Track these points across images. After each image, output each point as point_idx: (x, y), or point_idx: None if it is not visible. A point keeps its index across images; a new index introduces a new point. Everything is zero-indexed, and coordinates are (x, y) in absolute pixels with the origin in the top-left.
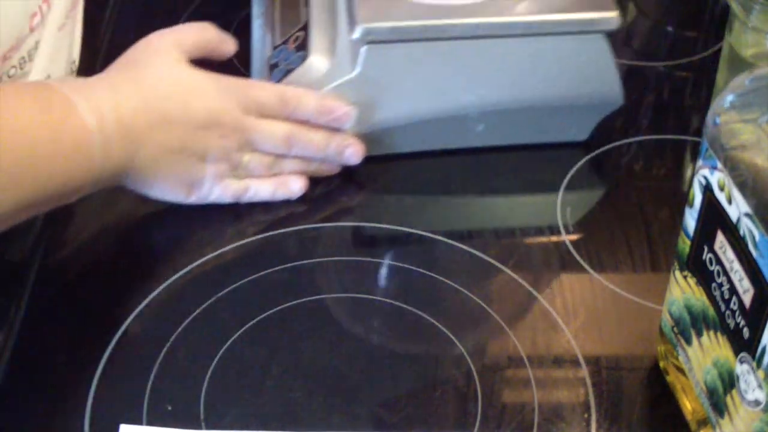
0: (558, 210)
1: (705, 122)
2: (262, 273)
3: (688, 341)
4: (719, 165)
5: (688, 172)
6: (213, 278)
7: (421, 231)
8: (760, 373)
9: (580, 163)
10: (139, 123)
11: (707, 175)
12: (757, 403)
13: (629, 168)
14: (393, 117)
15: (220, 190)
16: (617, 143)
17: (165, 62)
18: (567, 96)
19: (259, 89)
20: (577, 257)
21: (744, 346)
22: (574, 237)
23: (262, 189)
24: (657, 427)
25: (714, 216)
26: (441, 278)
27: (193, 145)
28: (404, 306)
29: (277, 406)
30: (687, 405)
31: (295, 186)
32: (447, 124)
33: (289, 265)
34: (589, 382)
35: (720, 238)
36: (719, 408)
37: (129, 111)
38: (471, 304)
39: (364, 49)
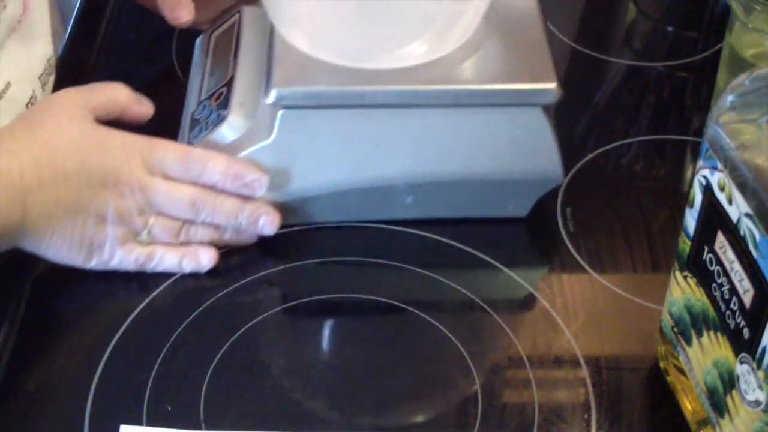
0: (558, 210)
1: (705, 122)
2: (262, 273)
3: (689, 342)
4: (719, 165)
5: (689, 173)
6: (216, 274)
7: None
8: (760, 374)
9: (580, 164)
10: (28, 180)
11: (707, 176)
12: (757, 403)
13: (629, 168)
14: (313, 186)
15: (121, 254)
16: (617, 143)
17: (65, 118)
18: (501, 171)
19: (164, 149)
20: (577, 257)
21: (744, 346)
22: (574, 237)
23: (168, 257)
24: (657, 428)
25: (714, 216)
26: (441, 279)
27: (90, 204)
28: (404, 306)
29: (277, 406)
30: (687, 405)
31: (204, 258)
32: (372, 195)
33: (289, 265)
34: (589, 382)
35: (720, 239)
36: (719, 408)
37: (17, 167)
38: (471, 305)
39: (280, 113)
